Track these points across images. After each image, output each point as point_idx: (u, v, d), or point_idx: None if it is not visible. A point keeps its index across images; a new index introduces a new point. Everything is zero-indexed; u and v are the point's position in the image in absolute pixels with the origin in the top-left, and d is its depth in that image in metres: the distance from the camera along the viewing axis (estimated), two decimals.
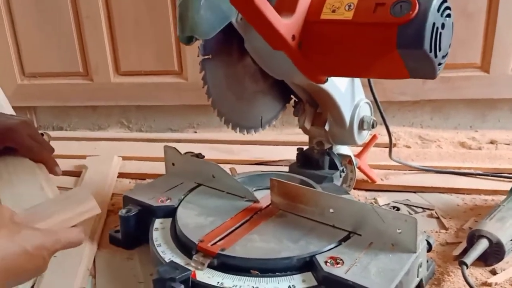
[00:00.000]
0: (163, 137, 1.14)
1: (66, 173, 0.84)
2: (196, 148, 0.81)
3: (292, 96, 0.74)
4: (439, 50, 0.52)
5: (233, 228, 0.58)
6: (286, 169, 0.78)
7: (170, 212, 0.63)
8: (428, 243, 0.54)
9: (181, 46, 1.14)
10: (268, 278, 0.50)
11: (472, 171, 0.87)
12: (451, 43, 0.56)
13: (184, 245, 0.56)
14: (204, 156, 0.75)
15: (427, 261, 0.55)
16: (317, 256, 0.51)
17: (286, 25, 0.54)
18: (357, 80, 0.72)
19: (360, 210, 0.54)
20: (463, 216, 0.73)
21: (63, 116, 1.28)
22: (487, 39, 1.04)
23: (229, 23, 0.57)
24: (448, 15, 0.53)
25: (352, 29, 0.54)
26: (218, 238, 0.55)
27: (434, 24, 0.51)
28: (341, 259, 0.50)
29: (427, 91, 1.09)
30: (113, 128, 1.26)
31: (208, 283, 0.49)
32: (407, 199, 0.80)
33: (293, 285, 0.49)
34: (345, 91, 0.69)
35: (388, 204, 0.78)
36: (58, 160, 0.75)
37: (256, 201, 0.64)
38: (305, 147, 0.77)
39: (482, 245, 0.59)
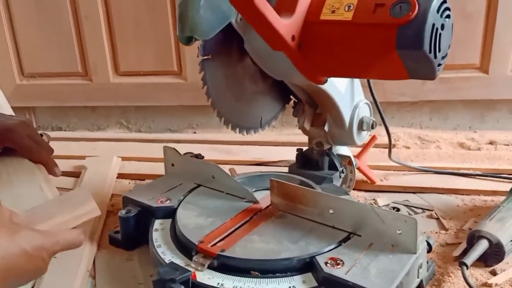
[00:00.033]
0: (162, 138, 1.14)
1: (65, 173, 0.84)
2: (195, 149, 0.81)
3: (291, 96, 0.74)
4: (439, 51, 0.52)
5: (233, 229, 0.58)
6: (286, 169, 0.78)
7: (169, 213, 0.63)
8: (428, 244, 0.54)
9: (181, 46, 1.13)
10: (268, 279, 0.50)
11: (471, 171, 0.88)
12: (450, 44, 0.56)
13: (184, 246, 0.56)
14: (203, 157, 0.75)
15: (427, 262, 0.55)
16: (317, 257, 0.51)
17: (286, 26, 0.54)
18: (357, 81, 0.72)
19: (360, 211, 0.54)
20: (462, 217, 0.73)
21: (62, 117, 1.28)
22: (486, 40, 1.04)
23: (229, 24, 0.57)
24: (448, 16, 0.53)
25: (352, 29, 0.54)
26: (218, 239, 0.55)
27: (433, 25, 0.51)
28: (341, 260, 0.50)
29: (426, 92, 1.09)
30: (112, 129, 1.26)
31: (208, 284, 0.49)
32: (407, 200, 0.80)
33: (293, 286, 0.49)
34: (345, 92, 0.69)
35: (388, 204, 0.78)
36: (57, 161, 0.75)
37: (255, 202, 0.64)
38: (304, 148, 0.77)
39: (482, 246, 0.59)
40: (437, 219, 0.73)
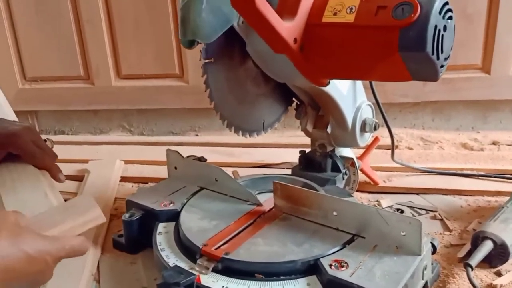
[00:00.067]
0: (164, 141, 1.14)
1: (68, 177, 0.84)
2: (197, 151, 0.81)
3: (294, 99, 0.74)
4: (441, 52, 0.52)
5: (237, 231, 0.57)
6: (289, 171, 0.78)
7: (173, 216, 0.63)
8: (433, 245, 0.54)
9: (182, 49, 1.14)
10: (272, 282, 0.50)
11: (474, 172, 0.87)
12: (452, 45, 0.56)
13: (188, 249, 0.56)
14: (206, 160, 0.75)
15: (432, 264, 0.55)
16: (321, 259, 0.51)
17: (288, 28, 0.54)
18: (359, 83, 0.72)
19: (363, 213, 0.54)
20: (466, 218, 0.73)
21: (64, 120, 1.28)
22: (487, 40, 1.04)
23: (231, 27, 0.57)
24: (450, 17, 0.53)
25: (354, 32, 0.54)
26: (222, 242, 0.55)
27: (436, 26, 0.51)
28: (345, 262, 0.50)
29: (428, 92, 1.09)
30: (115, 132, 1.27)
31: None
32: (410, 201, 0.79)
33: None
34: (347, 94, 0.69)
35: (391, 206, 0.78)
36: (60, 165, 0.75)
37: (259, 204, 0.64)
38: (307, 150, 0.77)
39: (486, 247, 0.59)
40: (441, 220, 0.73)
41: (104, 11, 1.14)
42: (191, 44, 0.56)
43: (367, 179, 0.84)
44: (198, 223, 0.60)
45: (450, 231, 0.69)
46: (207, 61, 0.60)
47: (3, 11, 1.16)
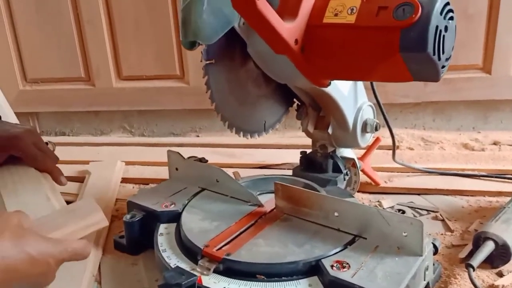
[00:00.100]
0: (165, 142, 1.14)
1: (69, 179, 0.84)
2: (198, 152, 0.81)
3: (295, 99, 0.74)
4: (443, 53, 0.52)
5: (238, 232, 0.57)
6: (290, 172, 0.78)
7: (174, 217, 0.63)
8: (434, 245, 0.54)
9: (183, 50, 1.14)
10: (274, 283, 0.50)
11: (476, 172, 0.87)
12: (454, 46, 0.56)
13: (189, 250, 0.56)
14: (207, 161, 0.75)
15: (434, 264, 0.55)
16: (323, 260, 0.51)
17: (289, 29, 0.54)
18: (360, 83, 0.72)
19: (365, 213, 0.54)
20: (468, 218, 0.73)
21: (65, 122, 1.28)
22: (488, 40, 1.04)
23: (232, 28, 0.57)
24: (451, 18, 0.53)
25: (355, 32, 0.54)
26: (223, 243, 0.55)
27: (437, 27, 0.50)
28: (347, 263, 0.50)
29: (428, 93, 1.09)
30: (116, 133, 1.27)
31: None
32: (411, 202, 0.79)
33: None
34: (348, 94, 0.69)
35: (393, 206, 0.78)
36: (61, 166, 0.75)
37: (260, 205, 0.64)
38: (308, 150, 0.77)
39: (488, 247, 0.59)
40: (442, 220, 0.73)
41: (104, 11, 1.14)
42: (192, 45, 0.56)
43: (368, 180, 0.84)
44: (199, 224, 0.60)
45: (452, 231, 0.69)
46: (208, 62, 0.60)
47: (4, 13, 1.16)
